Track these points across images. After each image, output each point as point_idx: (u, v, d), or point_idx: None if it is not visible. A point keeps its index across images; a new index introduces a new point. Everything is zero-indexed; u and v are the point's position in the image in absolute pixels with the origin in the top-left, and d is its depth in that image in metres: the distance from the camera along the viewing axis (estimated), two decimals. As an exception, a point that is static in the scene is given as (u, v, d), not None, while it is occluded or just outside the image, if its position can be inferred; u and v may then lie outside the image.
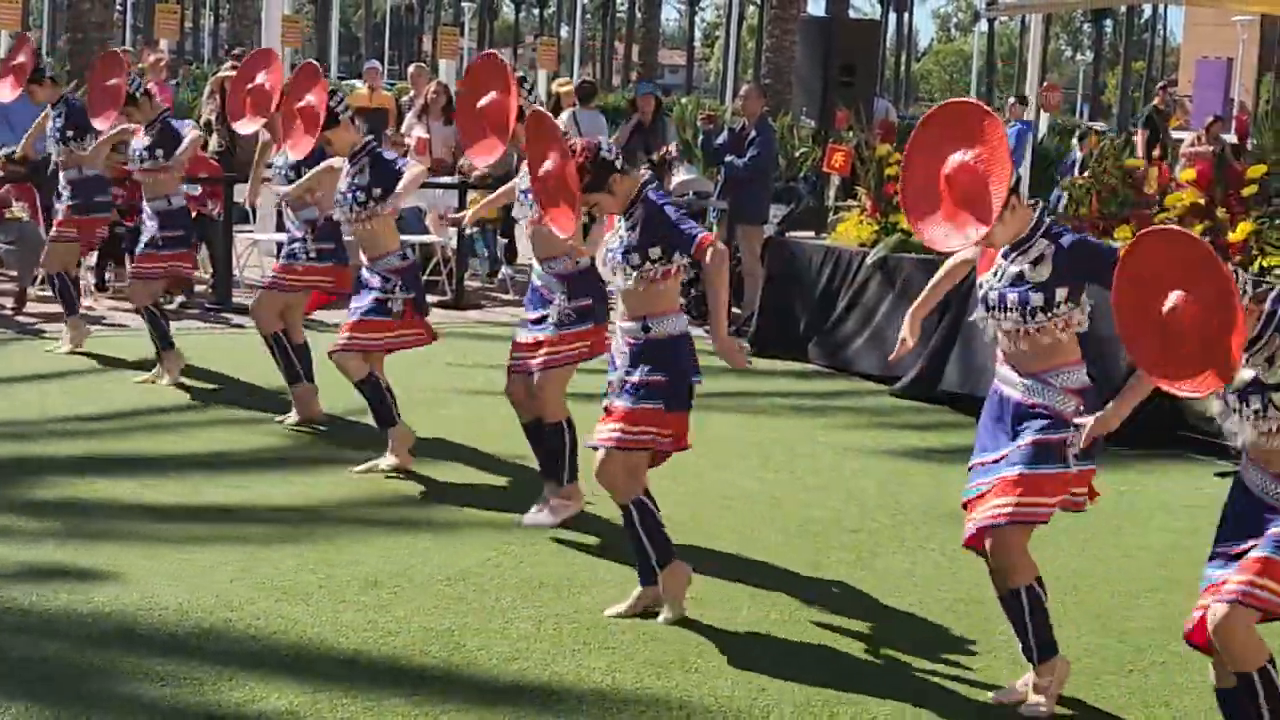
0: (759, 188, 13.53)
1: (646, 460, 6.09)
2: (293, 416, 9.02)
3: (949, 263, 5.71)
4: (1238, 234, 9.38)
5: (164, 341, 9.89)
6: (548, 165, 6.06)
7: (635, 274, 5.96)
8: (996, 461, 5.29)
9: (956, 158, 5.06)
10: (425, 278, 14.25)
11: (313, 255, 8.93)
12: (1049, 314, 5.18)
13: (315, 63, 8.75)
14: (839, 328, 11.64)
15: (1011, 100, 14.37)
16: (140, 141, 9.76)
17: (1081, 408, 5.19)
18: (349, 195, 7.96)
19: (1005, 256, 5.30)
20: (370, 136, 8.33)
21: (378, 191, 7.89)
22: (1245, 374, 4.54)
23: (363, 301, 8.01)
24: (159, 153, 9.68)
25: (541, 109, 6.78)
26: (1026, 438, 5.22)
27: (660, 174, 14.78)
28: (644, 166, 15.28)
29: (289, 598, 6.15)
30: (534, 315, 7.27)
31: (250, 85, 8.83)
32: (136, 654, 5.49)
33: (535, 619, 6.05)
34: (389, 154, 8.16)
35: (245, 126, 9.06)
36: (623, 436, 5.94)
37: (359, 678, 5.39)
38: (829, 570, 6.89)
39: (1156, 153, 11.08)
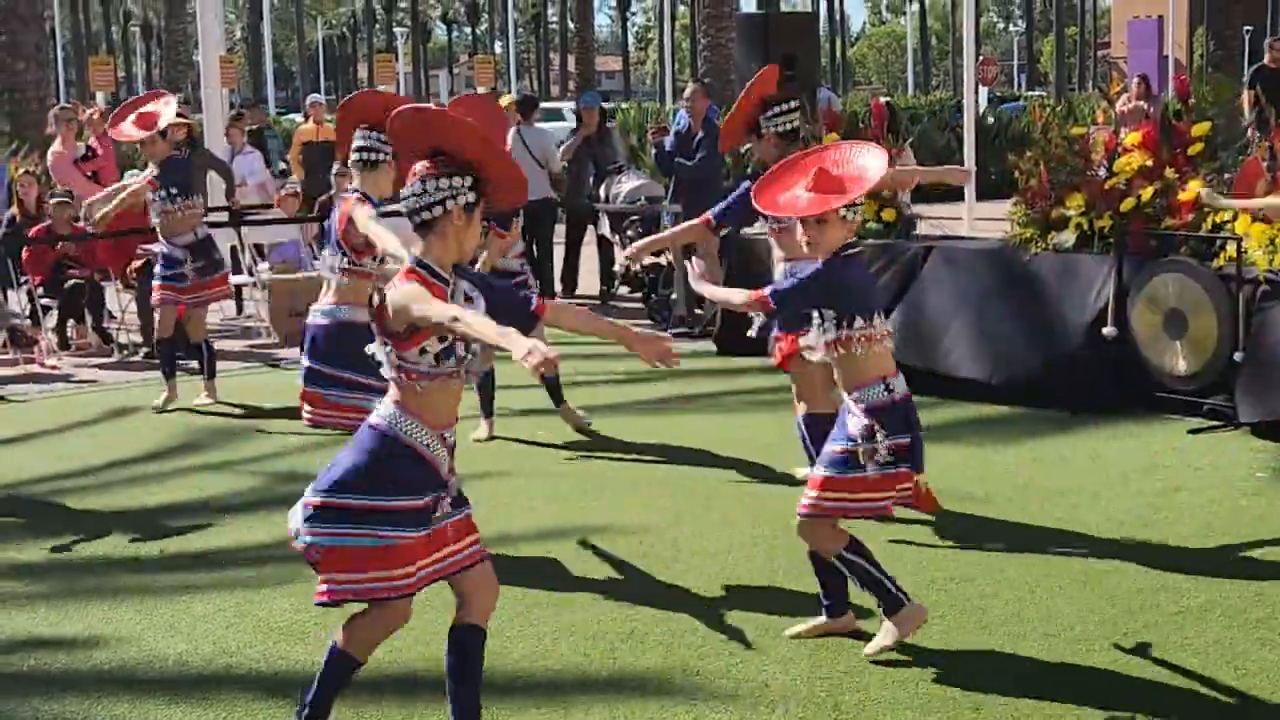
0: (711, 187, 13.55)
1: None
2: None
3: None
4: (1188, 193, 9.46)
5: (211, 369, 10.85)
6: None
7: None
8: None
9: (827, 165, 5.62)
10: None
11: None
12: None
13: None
14: (802, 319, 11.66)
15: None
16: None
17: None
18: None
19: None
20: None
21: None
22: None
23: None
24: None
25: None
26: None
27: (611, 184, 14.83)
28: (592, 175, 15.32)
29: (287, 638, 6.17)
30: None
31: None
32: (142, 709, 5.49)
33: (554, 627, 6.08)
34: None
35: None
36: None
37: (365, 709, 5.41)
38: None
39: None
